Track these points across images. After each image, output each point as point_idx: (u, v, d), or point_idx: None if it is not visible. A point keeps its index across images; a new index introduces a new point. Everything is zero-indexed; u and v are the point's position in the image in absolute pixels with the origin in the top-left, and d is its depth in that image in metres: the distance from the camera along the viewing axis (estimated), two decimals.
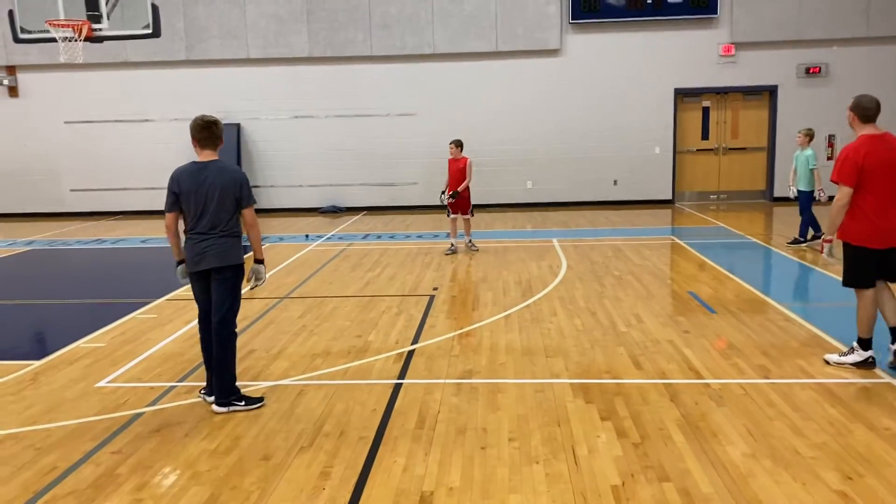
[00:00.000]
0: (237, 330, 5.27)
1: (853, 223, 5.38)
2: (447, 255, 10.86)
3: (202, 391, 5.35)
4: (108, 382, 5.77)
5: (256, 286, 5.39)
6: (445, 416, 4.90)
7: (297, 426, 4.81)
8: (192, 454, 4.45)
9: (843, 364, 5.56)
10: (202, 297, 5.20)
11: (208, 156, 5.11)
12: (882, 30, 15.69)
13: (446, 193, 10.76)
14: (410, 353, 6.30)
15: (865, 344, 5.52)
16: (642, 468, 4.09)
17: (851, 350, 5.59)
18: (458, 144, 10.85)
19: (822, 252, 5.69)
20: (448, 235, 11.39)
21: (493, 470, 4.13)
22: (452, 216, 10.92)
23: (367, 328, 7.10)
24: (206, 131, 5.08)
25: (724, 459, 4.17)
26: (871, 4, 15.63)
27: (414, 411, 4.99)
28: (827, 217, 5.52)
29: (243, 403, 5.14)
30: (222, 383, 5.12)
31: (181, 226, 5.18)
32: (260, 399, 5.25)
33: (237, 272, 5.15)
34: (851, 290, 5.58)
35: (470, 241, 11.16)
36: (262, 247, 5.38)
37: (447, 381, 5.56)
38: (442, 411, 4.97)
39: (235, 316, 5.19)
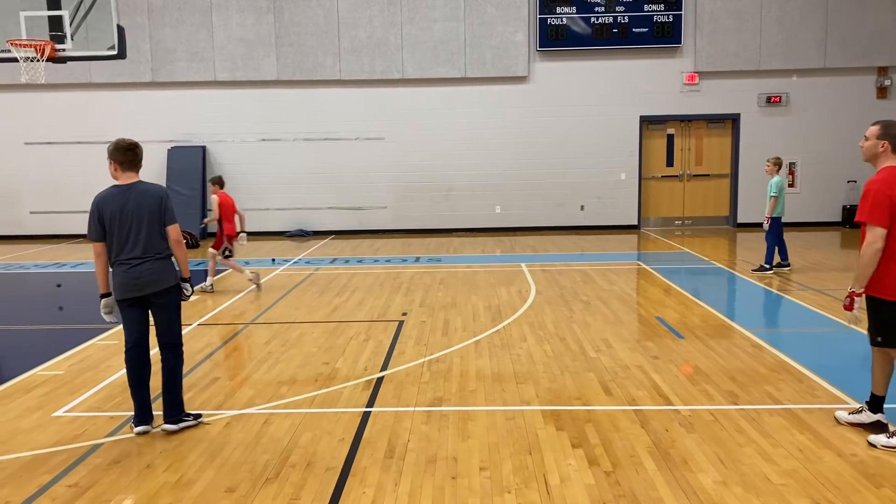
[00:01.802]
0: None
1: (888, 272, 4.55)
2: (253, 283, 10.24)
3: (136, 423, 5.12)
4: (66, 412, 5.58)
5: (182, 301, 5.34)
6: (415, 444, 4.81)
7: (262, 457, 4.68)
8: (153, 487, 4.30)
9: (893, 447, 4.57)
10: (135, 324, 5.10)
11: (130, 178, 5.07)
12: (838, 61, 16.18)
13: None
14: (379, 380, 6.21)
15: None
16: (614, 497, 4.05)
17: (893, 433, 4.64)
18: (213, 181, 10.20)
19: (848, 309, 4.71)
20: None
21: (464, 501, 4.05)
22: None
23: (335, 355, 6.99)
24: (131, 153, 5.06)
25: (695, 487, 4.15)
26: (829, 38, 16.12)
27: (383, 440, 4.89)
28: (857, 266, 4.64)
29: (191, 418, 5.22)
30: (176, 401, 5.15)
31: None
32: (199, 414, 5.34)
33: (177, 290, 5.18)
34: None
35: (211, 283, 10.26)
36: (197, 269, 5.34)
37: (417, 408, 5.48)
38: (412, 440, 4.89)
39: (181, 332, 5.26)
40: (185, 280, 5.24)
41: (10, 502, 4.13)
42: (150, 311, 5.14)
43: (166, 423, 5.10)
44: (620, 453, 4.61)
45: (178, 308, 5.21)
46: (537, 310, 8.72)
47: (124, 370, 6.47)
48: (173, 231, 5.10)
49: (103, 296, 5.12)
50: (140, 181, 5.10)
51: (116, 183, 5.07)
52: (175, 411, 5.13)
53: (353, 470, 4.46)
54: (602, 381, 6.02)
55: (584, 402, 5.57)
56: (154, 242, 5.00)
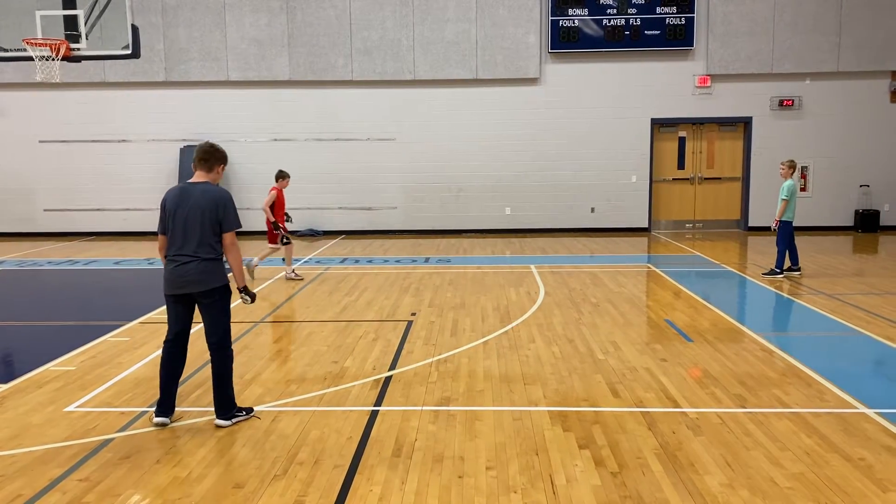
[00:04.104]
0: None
1: None
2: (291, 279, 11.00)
3: (157, 414, 5.21)
4: (78, 407, 5.63)
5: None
6: (423, 443, 4.84)
7: (270, 453, 4.72)
8: (163, 482, 4.34)
9: None
10: (178, 320, 5.16)
11: (199, 177, 5.17)
12: (852, 65, 16.10)
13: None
14: (387, 379, 6.23)
15: None
16: (620, 498, 4.06)
17: None
18: (278, 176, 11.21)
19: None
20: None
21: (470, 500, 4.07)
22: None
23: (344, 354, 7.02)
24: (200, 152, 5.18)
25: (701, 489, 4.15)
26: (842, 41, 16.04)
27: (391, 439, 4.92)
28: None
29: (244, 413, 5.30)
30: (225, 399, 5.21)
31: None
32: (251, 409, 5.39)
33: (224, 292, 5.16)
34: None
35: (292, 270, 11.11)
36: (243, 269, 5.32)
37: (424, 408, 5.51)
38: (419, 439, 4.91)
39: (230, 334, 5.24)
40: (240, 290, 5.27)
41: (22, 495, 4.18)
42: (197, 309, 5.16)
43: (218, 418, 5.18)
44: (627, 455, 4.62)
45: (225, 310, 5.17)
46: (546, 311, 8.73)
47: (135, 367, 6.63)
48: (227, 237, 5.10)
49: None
50: (206, 182, 5.14)
51: (189, 179, 5.20)
52: (226, 408, 5.19)
53: (361, 468, 4.49)
54: (610, 383, 6.03)
55: (591, 403, 5.58)
56: (204, 243, 5.00)
